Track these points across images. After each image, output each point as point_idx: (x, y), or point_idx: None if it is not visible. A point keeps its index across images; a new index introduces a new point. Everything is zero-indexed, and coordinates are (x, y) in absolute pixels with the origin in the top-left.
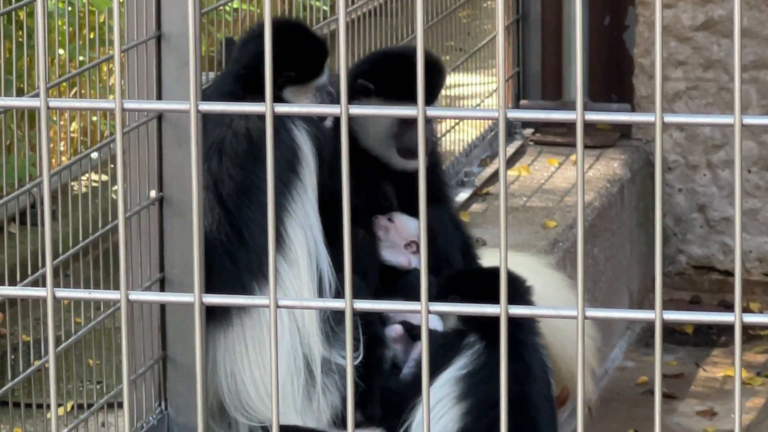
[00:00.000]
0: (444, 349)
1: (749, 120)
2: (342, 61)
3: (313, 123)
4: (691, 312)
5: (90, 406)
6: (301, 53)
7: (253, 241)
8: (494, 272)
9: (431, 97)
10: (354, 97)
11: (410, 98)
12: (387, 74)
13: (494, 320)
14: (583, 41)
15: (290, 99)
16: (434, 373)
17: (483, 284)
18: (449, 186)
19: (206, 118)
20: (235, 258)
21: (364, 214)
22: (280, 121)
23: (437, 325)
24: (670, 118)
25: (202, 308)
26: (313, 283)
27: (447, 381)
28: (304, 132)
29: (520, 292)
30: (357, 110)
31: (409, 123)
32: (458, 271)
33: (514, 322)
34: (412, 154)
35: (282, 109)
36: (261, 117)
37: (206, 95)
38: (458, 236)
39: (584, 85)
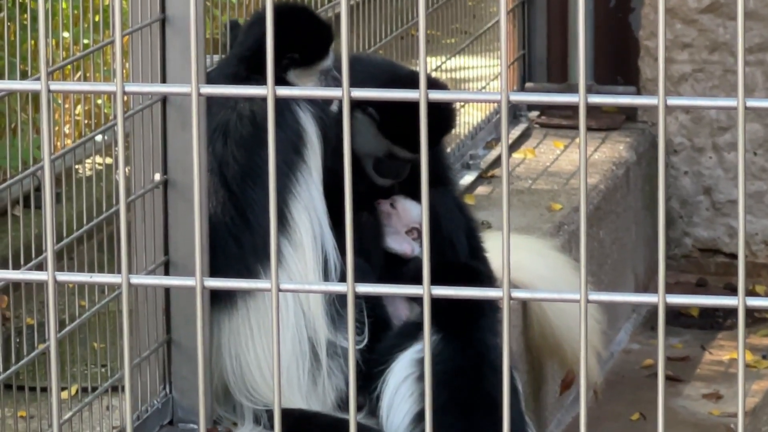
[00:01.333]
0: (402, 337)
1: (753, 102)
2: (344, 44)
3: (318, 106)
4: (695, 295)
5: (95, 389)
6: (305, 36)
7: (258, 224)
8: (461, 268)
9: (435, 142)
10: (356, 106)
11: (409, 146)
12: (394, 118)
13: (450, 314)
14: (589, 24)
15: (294, 82)
16: (395, 356)
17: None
18: (452, 169)
19: (211, 101)
20: (240, 241)
21: (367, 198)
22: (284, 103)
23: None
24: (672, 101)
25: (204, 292)
26: (318, 266)
27: (409, 362)
28: (309, 114)
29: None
30: (359, 93)
31: (394, 158)
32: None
33: (475, 322)
34: (386, 178)
35: (283, 91)
36: (265, 99)
37: (211, 78)
38: (462, 219)
39: (590, 68)
